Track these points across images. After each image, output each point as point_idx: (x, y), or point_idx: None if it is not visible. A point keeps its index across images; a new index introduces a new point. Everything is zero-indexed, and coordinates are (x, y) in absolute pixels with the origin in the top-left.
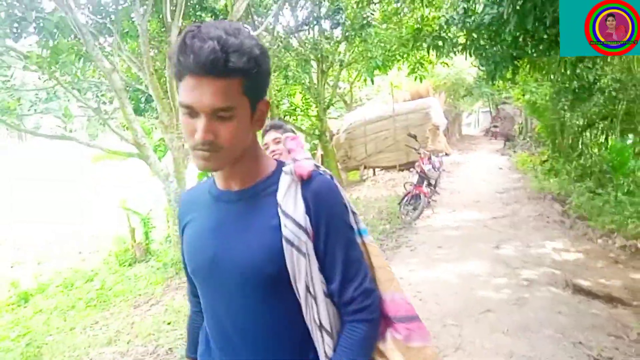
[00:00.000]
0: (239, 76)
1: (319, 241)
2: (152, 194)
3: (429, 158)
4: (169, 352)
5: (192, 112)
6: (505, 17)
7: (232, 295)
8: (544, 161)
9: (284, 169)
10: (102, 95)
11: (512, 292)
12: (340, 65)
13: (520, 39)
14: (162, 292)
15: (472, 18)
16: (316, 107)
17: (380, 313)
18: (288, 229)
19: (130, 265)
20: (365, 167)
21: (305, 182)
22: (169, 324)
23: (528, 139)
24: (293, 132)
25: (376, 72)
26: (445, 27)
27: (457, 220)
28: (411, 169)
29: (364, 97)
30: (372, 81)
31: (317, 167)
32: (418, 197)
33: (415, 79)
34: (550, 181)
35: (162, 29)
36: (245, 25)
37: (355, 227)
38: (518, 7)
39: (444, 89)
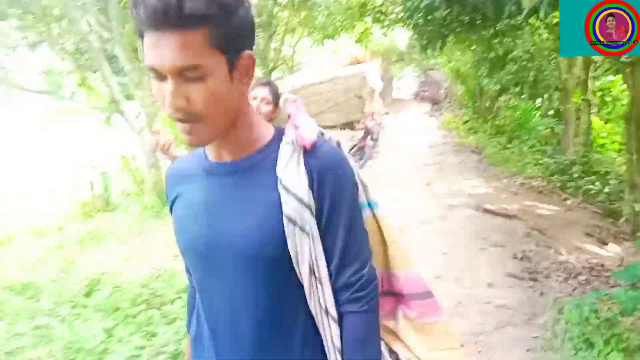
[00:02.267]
0: (202, 26)
1: (321, 218)
2: (107, 151)
3: (372, 115)
4: None
5: (158, 74)
6: (436, 4)
7: (227, 277)
8: (466, 121)
9: (284, 137)
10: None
11: (440, 211)
12: (285, 31)
13: (448, 20)
14: (146, 229)
15: (412, 1)
16: (262, 69)
17: (393, 291)
18: (290, 206)
19: (91, 216)
20: None
21: (309, 152)
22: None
23: (453, 102)
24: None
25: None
26: (387, 4)
27: (395, 166)
28: (354, 128)
29: (306, 61)
30: (323, 46)
31: (322, 134)
32: (363, 149)
33: (362, 46)
34: (470, 137)
35: None
36: None
37: (365, 199)
38: None
39: (378, 54)
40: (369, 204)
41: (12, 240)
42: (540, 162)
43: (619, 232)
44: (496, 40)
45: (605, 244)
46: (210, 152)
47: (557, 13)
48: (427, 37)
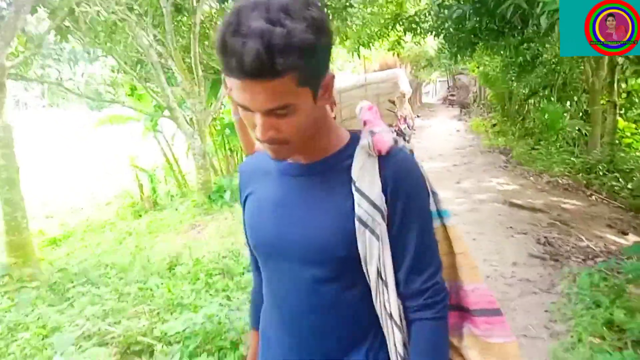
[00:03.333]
0: (292, 72)
1: (393, 224)
2: (150, 153)
3: (405, 119)
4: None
5: (245, 107)
6: (467, 15)
7: (297, 273)
8: (494, 125)
9: (360, 142)
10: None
11: (469, 205)
12: None
13: (477, 30)
14: (198, 222)
15: (444, 12)
16: None
17: (459, 304)
18: (362, 209)
19: (140, 216)
20: None
21: (384, 158)
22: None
23: (481, 106)
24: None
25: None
26: (420, 15)
27: (427, 167)
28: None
29: (336, 68)
30: (359, 56)
31: (396, 141)
32: None
33: (394, 54)
34: (498, 140)
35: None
36: None
37: (434, 208)
38: (477, 7)
39: (408, 60)
40: (439, 213)
41: (74, 235)
42: (567, 161)
43: None
44: (524, 47)
45: (626, 234)
46: None
47: None
48: (458, 45)
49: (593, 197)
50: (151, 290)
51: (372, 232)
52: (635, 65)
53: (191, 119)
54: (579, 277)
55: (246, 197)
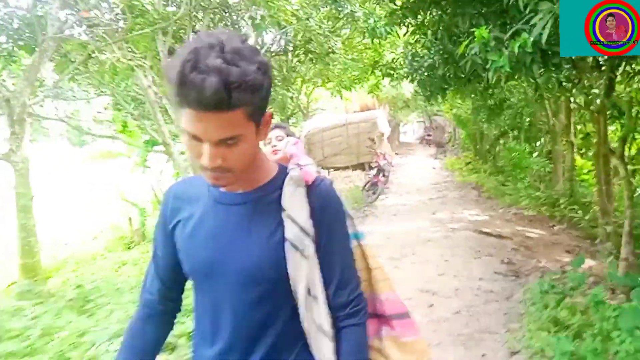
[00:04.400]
0: (244, 107)
1: (319, 245)
2: (137, 188)
3: (384, 156)
4: None
5: (197, 139)
6: (437, 64)
7: (232, 296)
8: (468, 163)
9: (290, 174)
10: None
11: (443, 232)
12: (302, 82)
13: (447, 76)
14: None
15: (417, 61)
16: (281, 116)
17: (376, 312)
18: (292, 233)
19: (130, 248)
20: (322, 168)
21: (310, 187)
22: None
23: (456, 146)
24: (290, 132)
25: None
26: (396, 62)
27: (404, 201)
28: (365, 169)
29: (318, 108)
30: (342, 97)
31: (318, 172)
32: (376, 185)
33: (373, 97)
34: (471, 176)
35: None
36: (242, 35)
37: (351, 230)
38: (445, 58)
39: (386, 101)
40: (356, 235)
41: (65, 267)
42: (532, 195)
43: (595, 251)
44: (489, 92)
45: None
46: None
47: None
48: (430, 89)
49: (555, 228)
50: None
51: (302, 253)
52: (585, 110)
53: (183, 154)
54: (532, 286)
55: (176, 224)
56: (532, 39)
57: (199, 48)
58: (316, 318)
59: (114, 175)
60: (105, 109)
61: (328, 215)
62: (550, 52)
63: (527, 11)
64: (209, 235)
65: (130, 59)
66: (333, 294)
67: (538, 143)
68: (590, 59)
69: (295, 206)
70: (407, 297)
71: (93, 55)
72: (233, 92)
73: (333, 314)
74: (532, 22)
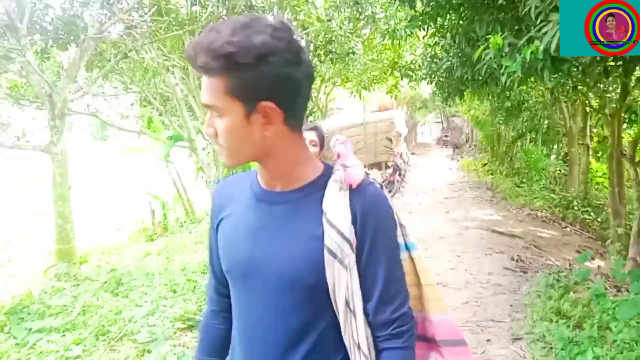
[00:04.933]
0: (220, 75)
1: (361, 255)
2: (158, 182)
3: (401, 155)
4: None
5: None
6: (454, 67)
7: (266, 297)
8: (484, 164)
9: (333, 175)
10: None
11: (456, 230)
12: (321, 81)
13: (464, 78)
14: None
15: (435, 63)
16: None
17: (426, 335)
18: (332, 239)
19: (153, 240)
20: None
21: (355, 191)
22: None
23: (473, 147)
24: (323, 133)
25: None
26: (415, 64)
27: (420, 200)
28: (381, 168)
29: (336, 107)
30: (361, 97)
31: (367, 175)
32: (392, 183)
33: (392, 97)
34: (487, 177)
35: None
36: (270, 17)
37: (402, 241)
38: (463, 61)
39: (404, 102)
40: (407, 246)
41: (91, 255)
42: (547, 197)
43: (606, 251)
44: (507, 94)
45: (593, 259)
46: (263, 180)
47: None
48: (448, 91)
49: (567, 229)
50: (195, 281)
51: (341, 262)
52: (601, 113)
53: (207, 150)
54: (538, 279)
55: (220, 221)
56: (542, 46)
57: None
58: (354, 334)
59: (137, 170)
60: (131, 105)
61: (372, 222)
62: (559, 59)
63: (538, 20)
64: (248, 234)
65: (165, 59)
66: (374, 310)
67: (555, 146)
68: (600, 66)
69: (336, 210)
70: None
71: (129, 54)
72: (198, 55)
73: (374, 333)
74: (544, 30)
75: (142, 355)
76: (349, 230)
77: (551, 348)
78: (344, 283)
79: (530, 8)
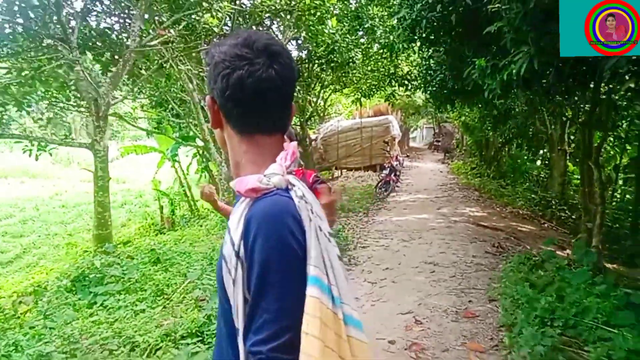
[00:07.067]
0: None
1: (249, 273)
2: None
3: (396, 157)
4: None
5: None
6: (446, 80)
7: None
8: (473, 167)
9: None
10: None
11: (446, 223)
12: (322, 87)
13: (455, 89)
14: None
15: (430, 74)
16: (299, 118)
17: None
18: (226, 246)
19: (163, 234)
20: (336, 168)
21: (255, 201)
22: None
23: (463, 152)
24: (293, 136)
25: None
26: (411, 75)
27: (413, 198)
28: (376, 170)
29: (334, 112)
30: (361, 105)
31: (291, 184)
32: (388, 183)
33: (389, 104)
34: (475, 180)
35: None
36: (238, 33)
37: (312, 274)
38: (454, 74)
39: (398, 107)
40: (312, 280)
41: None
42: (528, 197)
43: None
44: (494, 103)
45: (565, 249)
46: None
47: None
48: (440, 100)
49: (545, 225)
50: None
51: (229, 271)
52: (575, 122)
53: (219, 149)
54: (513, 259)
55: None
56: (515, 70)
57: None
58: (240, 349)
59: (144, 168)
60: (142, 107)
61: (253, 237)
62: (529, 80)
63: (512, 50)
64: None
65: (197, 70)
66: (243, 333)
67: (541, 151)
68: (562, 86)
69: (234, 219)
70: (414, 266)
71: (164, 65)
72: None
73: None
74: (516, 58)
75: (198, 308)
76: (238, 241)
77: (518, 303)
78: (231, 292)
79: (506, 40)
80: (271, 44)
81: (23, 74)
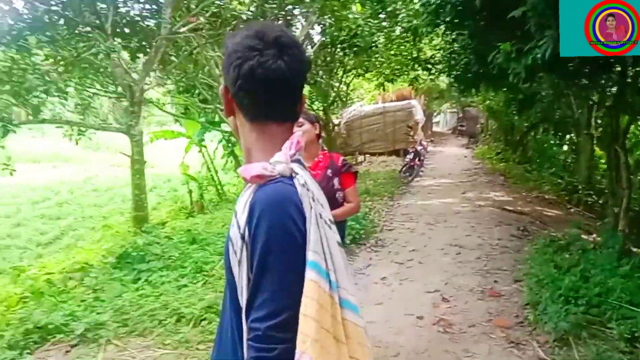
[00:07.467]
0: None
1: (253, 253)
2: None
3: (420, 142)
4: None
5: None
6: (471, 64)
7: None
8: (498, 152)
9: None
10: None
11: (471, 208)
12: (344, 71)
13: (480, 73)
14: None
15: (454, 58)
16: (322, 102)
17: None
18: (233, 229)
19: (193, 217)
20: (359, 153)
21: (258, 188)
22: None
23: (487, 136)
24: (315, 121)
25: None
26: (434, 59)
27: (437, 183)
28: (399, 155)
29: (357, 96)
30: (384, 89)
31: (294, 172)
32: (412, 167)
33: (413, 89)
34: (500, 165)
35: None
36: (241, 30)
37: (311, 258)
38: (479, 57)
39: (422, 92)
40: (311, 264)
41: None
42: (554, 182)
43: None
44: (519, 87)
45: (591, 234)
46: None
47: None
48: (465, 84)
49: (572, 210)
50: None
51: (235, 253)
52: (602, 106)
53: None
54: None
55: None
56: (540, 54)
57: None
58: (244, 328)
59: (171, 153)
60: (169, 92)
61: (256, 221)
62: (555, 63)
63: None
64: None
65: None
66: (245, 311)
67: (568, 136)
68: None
69: (241, 202)
70: (439, 248)
71: (194, 52)
72: None
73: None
74: (541, 42)
75: None
76: (244, 224)
77: (543, 283)
78: (237, 273)
79: (530, 25)
80: (281, 36)
81: (61, 61)
